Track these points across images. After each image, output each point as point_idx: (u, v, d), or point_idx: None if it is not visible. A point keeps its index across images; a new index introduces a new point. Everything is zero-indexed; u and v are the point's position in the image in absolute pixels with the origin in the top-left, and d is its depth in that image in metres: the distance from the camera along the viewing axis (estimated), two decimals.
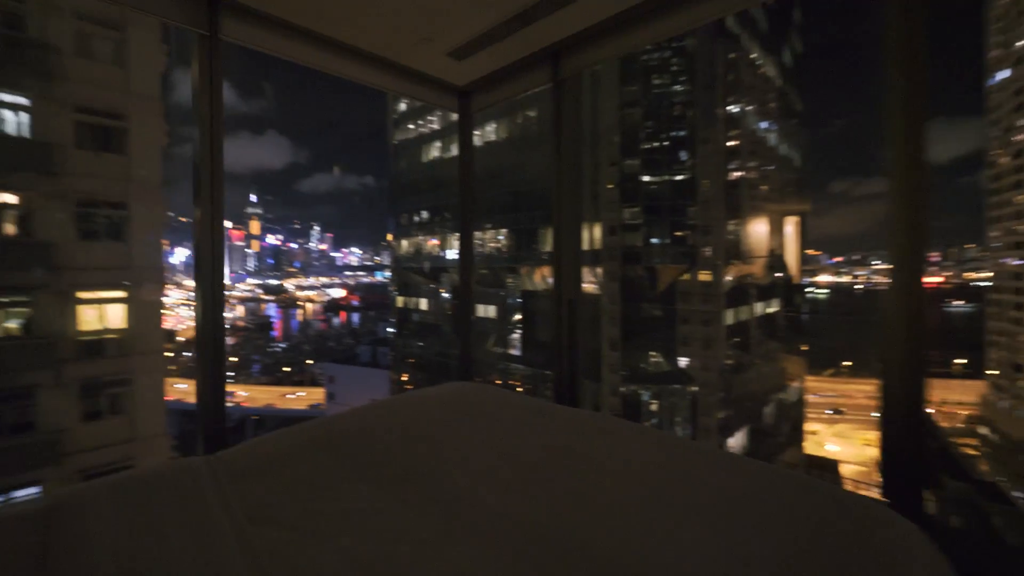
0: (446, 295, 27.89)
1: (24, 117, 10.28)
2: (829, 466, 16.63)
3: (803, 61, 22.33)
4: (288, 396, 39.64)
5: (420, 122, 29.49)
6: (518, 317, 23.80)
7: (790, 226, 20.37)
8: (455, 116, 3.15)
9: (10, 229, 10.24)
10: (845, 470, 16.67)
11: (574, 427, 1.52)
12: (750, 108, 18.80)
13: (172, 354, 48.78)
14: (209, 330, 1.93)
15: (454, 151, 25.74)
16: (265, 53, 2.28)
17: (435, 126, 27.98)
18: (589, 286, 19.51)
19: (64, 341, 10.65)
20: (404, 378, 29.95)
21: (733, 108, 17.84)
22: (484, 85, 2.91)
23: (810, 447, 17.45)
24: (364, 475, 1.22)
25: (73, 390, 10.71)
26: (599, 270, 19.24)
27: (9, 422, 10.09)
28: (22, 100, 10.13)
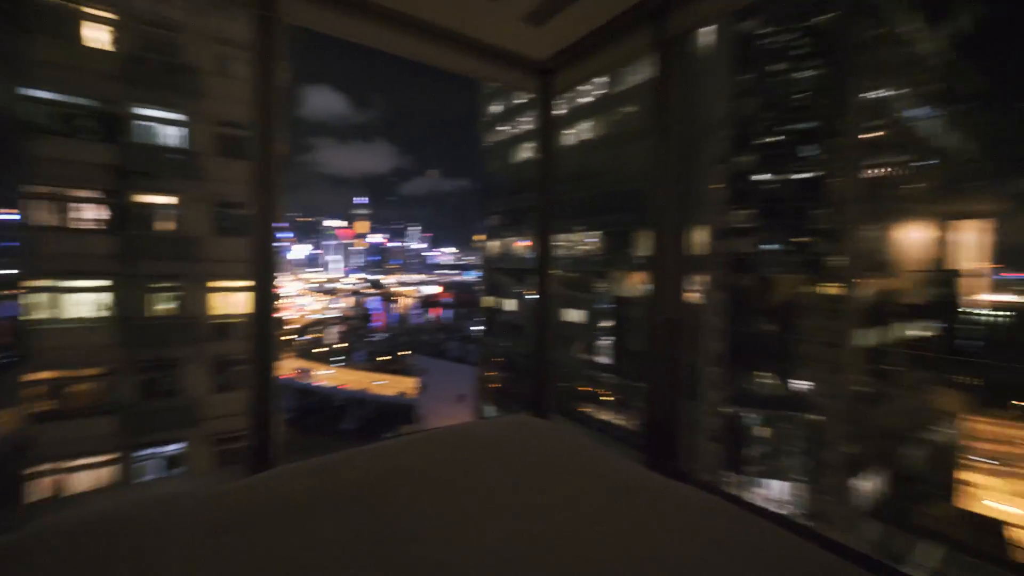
0: (532, 297, 27.76)
1: (179, 131, 11.86)
2: (989, 527, 13.60)
3: (988, 28, 18.14)
4: (375, 383, 42.30)
5: (511, 124, 29.78)
6: (608, 324, 22.93)
7: (960, 232, 16.97)
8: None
9: (167, 226, 11.91)
10: (1014, 534, 13.53)
11: (675, 527, 1.07)
12: (900, 92, 16.04)
13: (289, 338, 54.88)
14: (262, 323, 1.90)
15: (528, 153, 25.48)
16: (328, 35, 2.12)
17: (527, 127, 28.01)
18: (692, 295, 18.10)
19: (201, 322, 12.17)
20: (490, 374, 30.37)
21: (876, 93, 15.30)
22: (569, 59, 2.41)
23: (966, 502, 14.44)
24: (354, 552, 0.95)
25: (207, 365, 12.20)
26: (703, 278, 17.75)
27: (161, 388, 11.76)
28: (176, 116, 11.69)
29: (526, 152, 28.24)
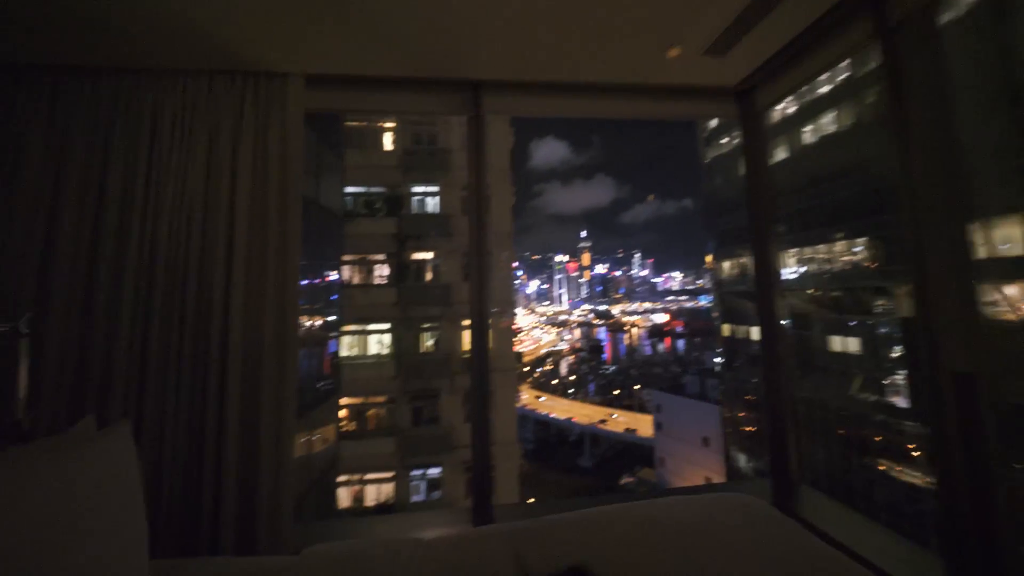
0: (784, 322, 23.52)
1: (436, 199, 14.72)
2: None
3: None
4: (611, 417, 42.09)
5: (735, 132, 26.67)
6: (898, 353, 17.63)
7: None
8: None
9: (429, 275, 14.72)
10: None
11: None
12: None
13: (527, 371, 60.26)
14: (479, 358, 2.32)
15: (777, 156, 21.76)
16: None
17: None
18: (1006, 312, 12.33)
19: (455, 358, 14.38)
20: (741, 415, 26.75)
21: None
22: (768, 74, 2.16)
23: None
24: None
25: (459, 396, 14.25)
26: None
27: (426, 416, 14.24)
28: (434, 188, 14.57)
29: None
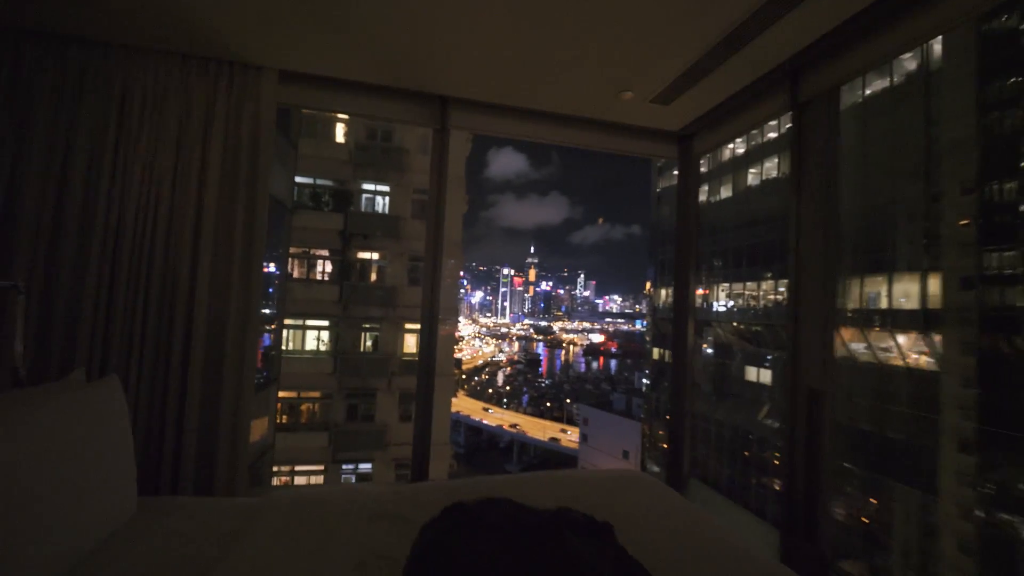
0: (709, 351, 25.24)
1: (386, 199, 14.57)
2: None
3: None
4: (542, 428, 42.89)
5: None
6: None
7: None
8: (681, 160, 2.67)
9: (373, 276, 14.49)
10: None
11: None
12: None
13: (464, 378, 60.05)
14: (426, 361, 2.44)
15: (722, 194, 23.55)
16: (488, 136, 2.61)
17: (703, 170, 26.54)
18: (920, 358, 14.20)
19: (394, 359, 14.20)
20: (661, 432, 28.11)
21: None
22: (706, 124, 2.54)
23: None
24: None
25: (396, 397, 14.08)
26: (936, 338, 13.92)
27: (361, 413, 13.95)
28: (385, 188, 14.42)
29: (701, 195, 26.77)
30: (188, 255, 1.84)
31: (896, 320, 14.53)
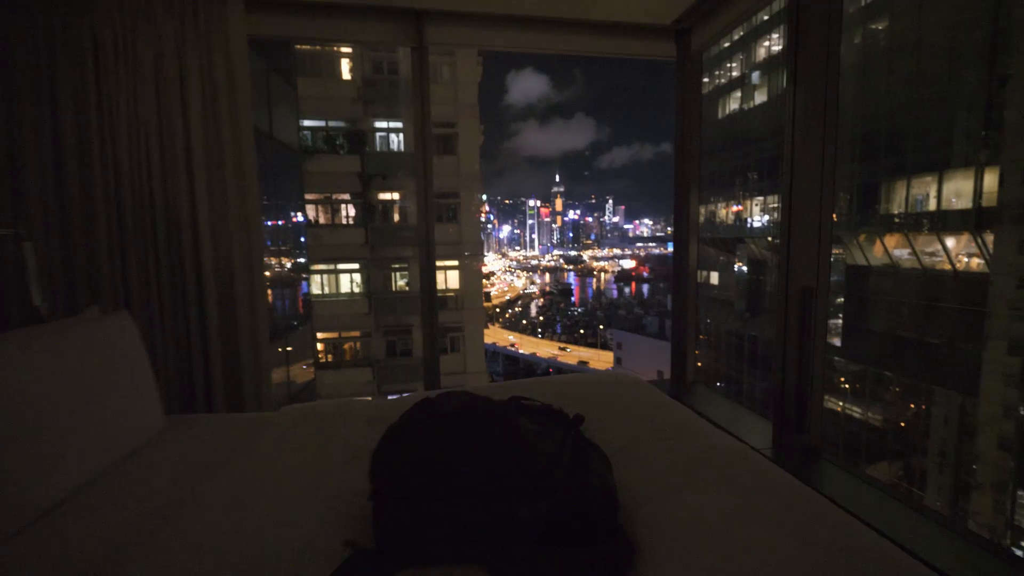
0: (743, 268, 24.66)
1: (400, 136, 14.24)
2: None
3: None
4: (575, 354, 44.34)
5: (717, 72, 26.33)
6: (840, 300, 18.88)
7: None
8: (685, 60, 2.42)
9: (396, 217, 14.59)
10: None
11: None
12: None
13: (498, 311, 61.55)
14: (426, 287, 2.48)
15: (757, 99, 21.77)
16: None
17: (735, 74, 24.45)
18: (972, 260, 13.42)
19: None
20: (696, 352, 28.47)
21: None
22: (702, 13, 2.27)
23: None
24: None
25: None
26: (989, 238, 13.08)
27: (400, 349, 14.69)
28: (398, 124, 14.03)
29: (733, 103, 24.89)
30: (186, 196, 1.92)
31: (946, 222, 13.63)
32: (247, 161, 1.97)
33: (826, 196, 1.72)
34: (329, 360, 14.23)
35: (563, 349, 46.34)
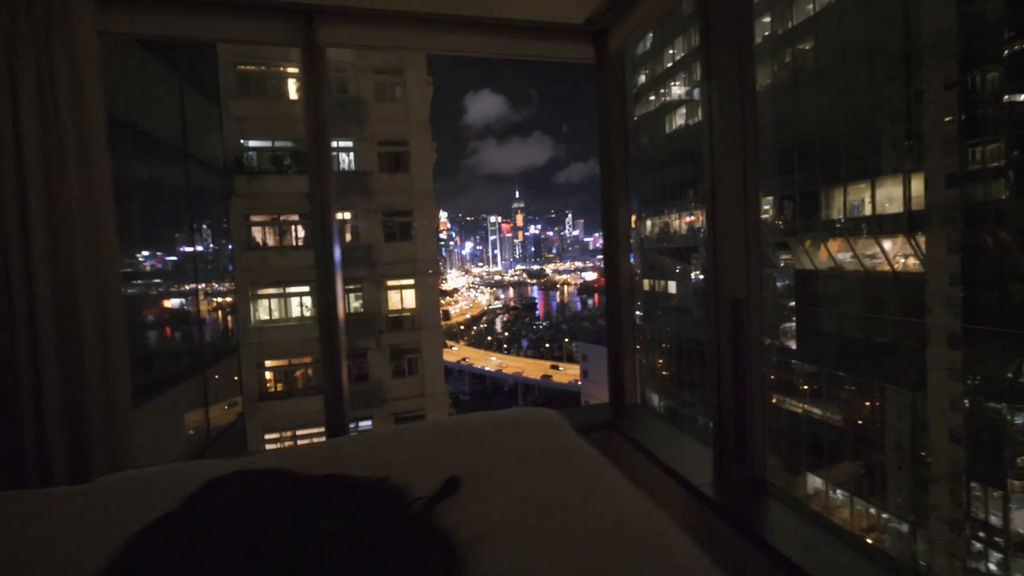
0: (699, 276, 25.40)
1: (350, 156, 13.86)
2: None
3: None
4: (545, 369, 44.37)
5: (662, 90, 27.37)
6: (792, 303, 19.65)
7: None
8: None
9: (348, 237, 14.08)
10: None
11: None
12: None
13: (462, 328, 60.87)
14: (326, 313, 2.12)
15: (701, 115, 22.77)
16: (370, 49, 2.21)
17: (680, 91, 25.47)
18: (902, 260, 14.21)
19: (380, 317, 14.09)
20: (660, 361, 28.88)
21: None
22: (616, 11, 2.10)
23: None
24: None
25: (387, 354, 14.10)
26: (920, 239, 13.89)
27: (354, 373, 14.03)
28: (348, 143, 13.65)
29: (679, 119, 25.86)
30: (16, 218, 1.57)
31: (882, 226, 14.44)
32: (99, 174, 1.65)
33: (750, 194, 1.57)
34: (279, 389, 13.44)
35: (555, 368, 46.02)
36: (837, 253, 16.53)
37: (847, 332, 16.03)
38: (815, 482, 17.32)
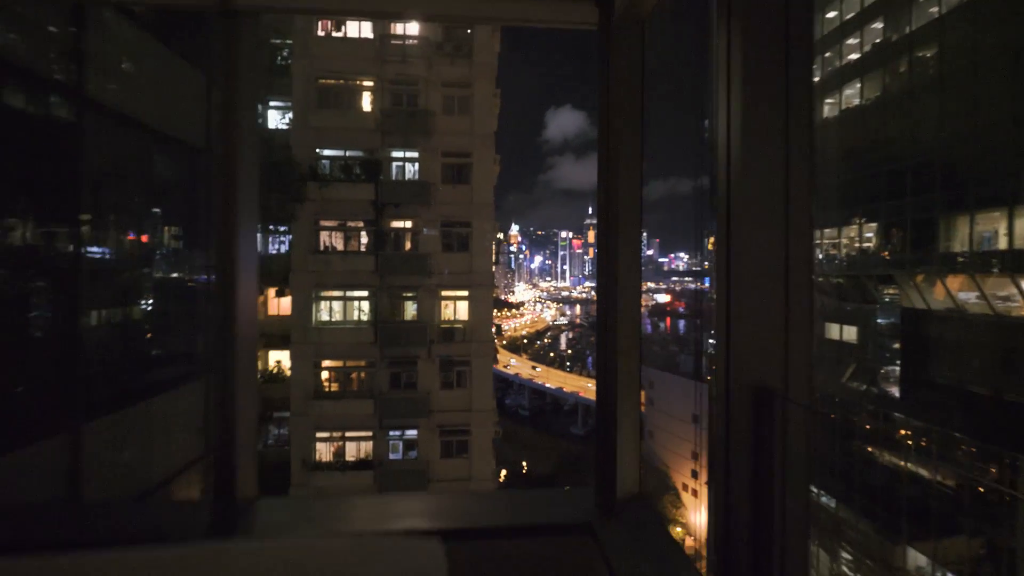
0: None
1: (415, 166, 14.09)
2: None
3: None
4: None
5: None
6: (897, 344, 17.16)
7: None
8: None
9: (407, 245, 14.25)
10: None
11: None
12: None
13: (525, 342, 60.46)
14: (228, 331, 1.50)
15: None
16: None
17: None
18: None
19: (432, 327, 14.01)
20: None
21: None
22: None
23: None
24: None
25: (436, 364, 13.95)
26: None
27: (404, 381, 14.02)
28: (414, 154, 13.88)
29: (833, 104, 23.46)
30: None
31: (1021, 263, 12.00)
32: None
33: (803, 247, 0.92)
34: (335, 388, 13.78)
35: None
36: (959, 292, 13.98)
37: (969, 386, 13.42)
38: (918, 559, 14.61)
